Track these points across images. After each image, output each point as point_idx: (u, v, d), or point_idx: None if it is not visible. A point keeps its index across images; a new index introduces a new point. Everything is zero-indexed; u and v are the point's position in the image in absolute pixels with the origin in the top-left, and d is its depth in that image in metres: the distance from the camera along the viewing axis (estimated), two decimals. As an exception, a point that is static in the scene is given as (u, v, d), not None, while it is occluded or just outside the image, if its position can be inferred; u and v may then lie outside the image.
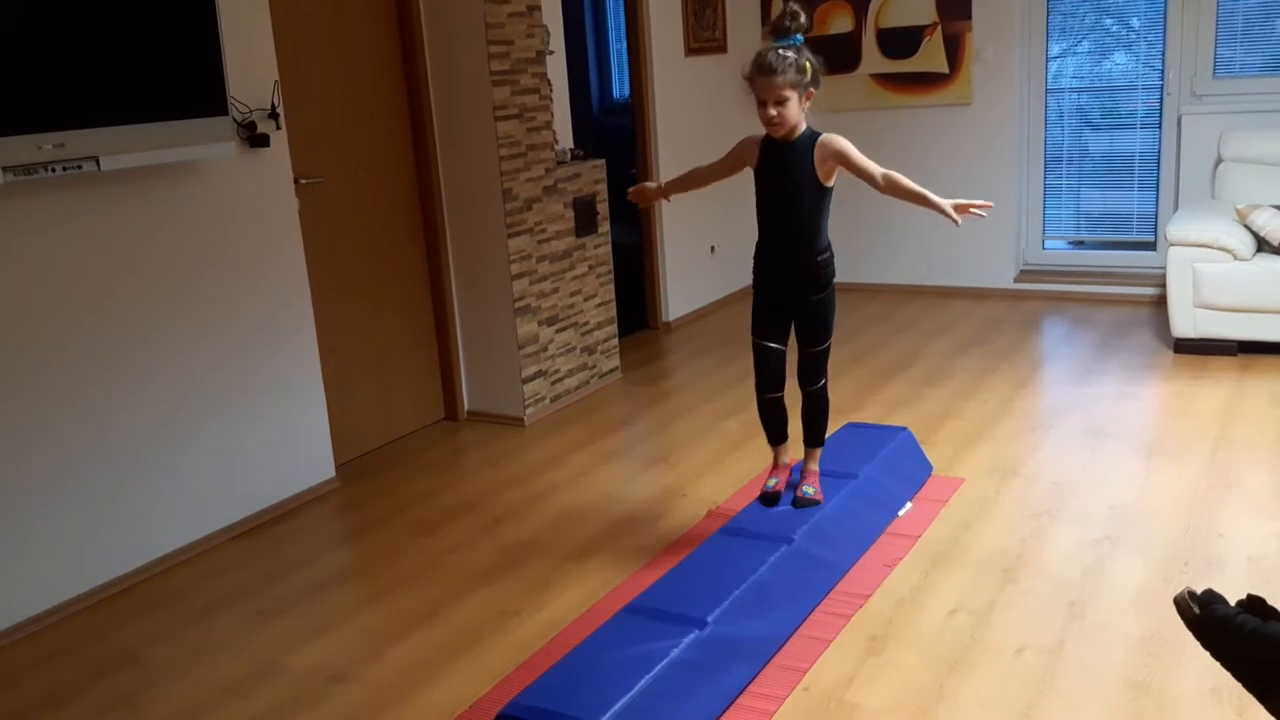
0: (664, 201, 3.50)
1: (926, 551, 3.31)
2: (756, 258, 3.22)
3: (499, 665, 2.85)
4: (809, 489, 3.31)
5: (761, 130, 3.08)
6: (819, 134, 3.04)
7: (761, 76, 2.94)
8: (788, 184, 3.07)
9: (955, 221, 2.96)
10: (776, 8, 6.76)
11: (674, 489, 3.94)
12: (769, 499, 3.32)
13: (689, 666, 2.52)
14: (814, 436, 3.38)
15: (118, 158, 3.18)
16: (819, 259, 3.12)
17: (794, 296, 3.17)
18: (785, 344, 3.24)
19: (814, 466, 3.39)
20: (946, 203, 2.94)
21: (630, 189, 3.46)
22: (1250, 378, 4.69)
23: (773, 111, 2.96)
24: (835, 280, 3.17)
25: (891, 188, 3.01)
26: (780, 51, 2.93)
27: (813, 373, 3.28)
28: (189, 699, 2.81)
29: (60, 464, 3.29)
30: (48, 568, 3.28)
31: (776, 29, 2.99)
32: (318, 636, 3.09)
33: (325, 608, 3.26)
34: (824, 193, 3.07)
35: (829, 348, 3.25)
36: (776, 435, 3.40)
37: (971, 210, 2.95)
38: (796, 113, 2.98)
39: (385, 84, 4.50)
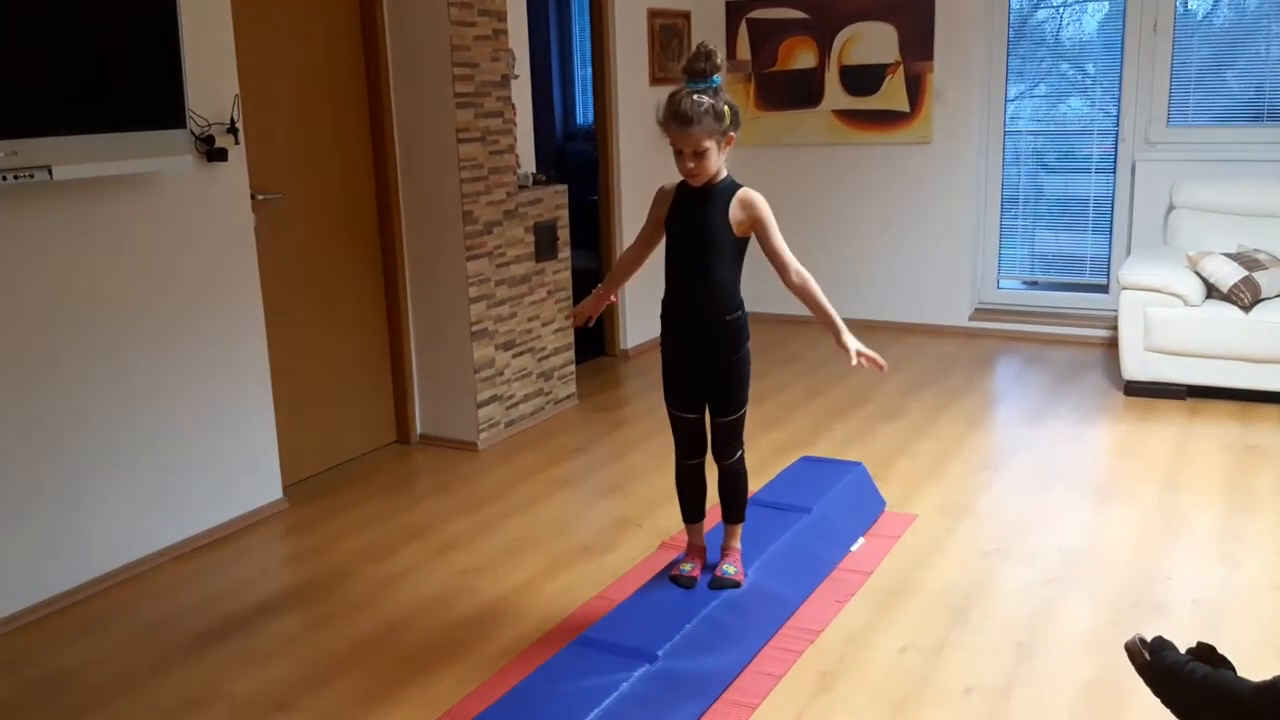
0: (612, 300, 3.13)
1: (878, 588, 3.31)
2: (663, 316, 2.99)
3: (446, 695, 2.80)
4: (730, 568, 3.06)
5: (676, 178, 2.88)
6: (739, 186, 2.83)
7: (678, 126, 2.70)
8: (701, 232, 2.84)
9: (850, 358, 2.83)
10: (741, 42, 6.88)
11: (628, 519, 3.92)
12: (684, 583, 3.02)
13: (639, 701, 2.50)
14: (733, 513, 3.12)
15: (71, 167, 3.12)
16: (729, 318, 2.88)
17: (702, 360, 2.94)
18: (701, 411, 3.02)
19: (735, 544, 3.13)
20: (851, 341, 2.82)
21: (570, 313, 3.09)
22: (1198, 422, 4.76)
23: (691, 164, 2.74)
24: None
25: (801, 290, 2.88)
26: (695, 98, 2.69)
27: (727, 444, 3.01)
28: (124, 725, 2.74)
29: (-1, 479, 3.22)
30: (-19, 585, 3.20)
31: (691, 71, 2.73)
32: (260, 663, 3.02)
33: (269, 633, 3.19)
34: (738, 246, 2.85)
35: (743, 417, 3.01)
36: (693, 511, 3.14)
37: (864, 362, 2.82)
38: (715, 161, 2.76)
39: (348, 102, 4.47)
